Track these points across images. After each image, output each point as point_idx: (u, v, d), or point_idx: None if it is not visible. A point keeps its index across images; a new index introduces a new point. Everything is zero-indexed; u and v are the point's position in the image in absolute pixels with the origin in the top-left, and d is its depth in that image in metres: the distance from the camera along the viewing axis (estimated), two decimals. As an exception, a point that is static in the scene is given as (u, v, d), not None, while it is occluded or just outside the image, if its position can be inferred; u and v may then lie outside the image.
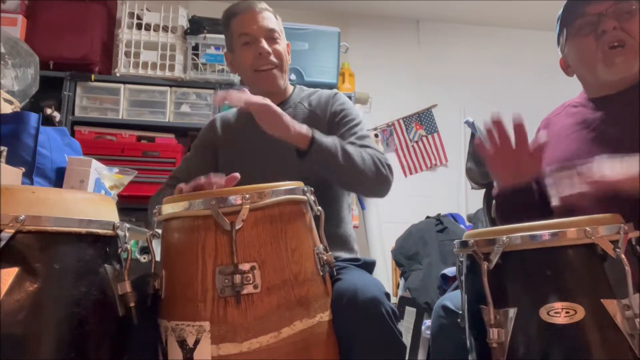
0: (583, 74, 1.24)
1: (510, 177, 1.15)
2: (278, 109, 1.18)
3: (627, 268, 0.77)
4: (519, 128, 1.08)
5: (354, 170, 1.22)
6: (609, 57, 1.13)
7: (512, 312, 0.81)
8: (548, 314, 0.78)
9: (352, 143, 1.31)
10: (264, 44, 1.38)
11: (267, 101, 1.18)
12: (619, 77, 1.14)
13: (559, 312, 0.78)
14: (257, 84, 1.43)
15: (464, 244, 0.92)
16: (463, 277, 0.96)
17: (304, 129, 1.20)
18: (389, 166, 1.29)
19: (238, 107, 1.22)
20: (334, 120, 1.39)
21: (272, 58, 1.39)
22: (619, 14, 1.13)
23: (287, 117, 1.19)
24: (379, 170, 1.26)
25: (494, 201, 1.28)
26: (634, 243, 0.84)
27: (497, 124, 1.09)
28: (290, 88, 1.50)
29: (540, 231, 0.82)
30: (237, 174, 1.06)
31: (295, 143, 1.19)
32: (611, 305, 0.77)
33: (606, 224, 0.82)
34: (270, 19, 1.42)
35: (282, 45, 1.42)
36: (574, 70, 1.26)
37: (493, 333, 0.81)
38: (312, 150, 1.18)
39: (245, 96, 1.16)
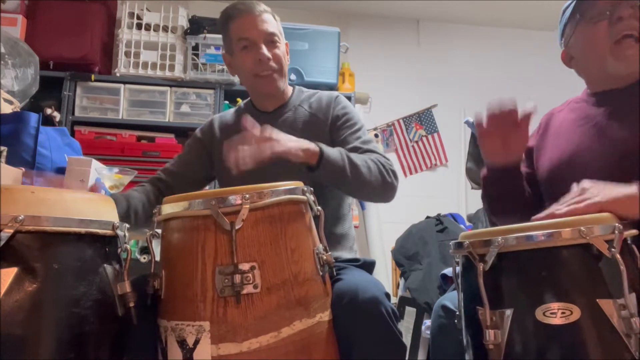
0: (588, 66, 1.22)
1: (498, 152, 1.18)
2: (286, 144, 1.14)
3: (623, 267, 0.77)
4: (505, 103, 1.13)
5: (361, 180, 1.22)
6: (619, 50, 1.11)
7: (508, 313, 0.81)
8: (544, 314, 0.78)
9: (356, 148, 1.31)
10: (264, 49, 1.36)
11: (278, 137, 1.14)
12: (628, 71, 1.13)
13: (555, 313, 0.78)
14: (256, 88, 1.42)
15: (460, 245, 0.92)
16: (459, 278, 0.96)
17: (311, 145, 1.18)
18: (393, 172, 1.29)
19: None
20: (336, 124, 1.39)
21: (272, 63, 1.37)
22: (636, 3, 1.11)
23: (294, 143, 1.16)
24: (385, 178, 1.26)
25: (483, 187, 1.29)
26: (629, 242, 0.84)
27: (494, 108, 1.14)
28: (289, 90, 1.49)
29: (535, 232, 0.82)
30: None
31: (305, 161, 1.18)
32: (607, 305, 0.77)
33: (601, 224, 0.82)
34: (269, 21, 1.39)
35: (281, 48, 1.40)
36: (579, 62, 1.24)
37: (489, 334, 0.81)
38: (322, 165, 1.17)
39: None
